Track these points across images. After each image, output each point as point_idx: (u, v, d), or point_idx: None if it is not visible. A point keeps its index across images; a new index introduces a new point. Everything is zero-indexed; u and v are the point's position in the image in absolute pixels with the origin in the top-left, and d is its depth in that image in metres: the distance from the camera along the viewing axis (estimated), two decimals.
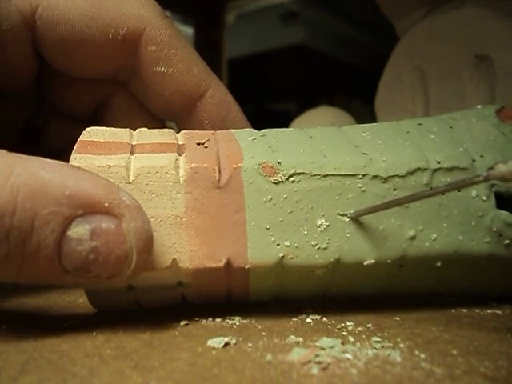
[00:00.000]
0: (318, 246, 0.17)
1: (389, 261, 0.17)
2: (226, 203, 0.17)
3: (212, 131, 0.20)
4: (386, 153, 0.18)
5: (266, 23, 1.01)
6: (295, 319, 0.18)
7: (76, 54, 0.21)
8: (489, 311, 0.18)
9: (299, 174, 0.17)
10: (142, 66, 0.22)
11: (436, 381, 0.12)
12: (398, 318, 0.18)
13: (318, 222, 0.17)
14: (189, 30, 0.91)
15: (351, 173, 0.17)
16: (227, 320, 0.17)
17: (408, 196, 0.16)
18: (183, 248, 0.17)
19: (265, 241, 0.17)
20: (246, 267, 0.17)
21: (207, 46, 0.79)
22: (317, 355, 0.14)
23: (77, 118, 0.24)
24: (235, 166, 0.17)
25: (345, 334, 0.16)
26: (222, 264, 0.17)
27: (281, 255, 0.17)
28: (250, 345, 0.15)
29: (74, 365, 0.14)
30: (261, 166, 0.17)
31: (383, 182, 0.18)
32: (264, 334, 0.16)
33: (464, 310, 0.19)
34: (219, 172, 0.17)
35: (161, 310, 0.18)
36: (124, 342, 0.15)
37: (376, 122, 0.41)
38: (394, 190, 0.18)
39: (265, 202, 0.17)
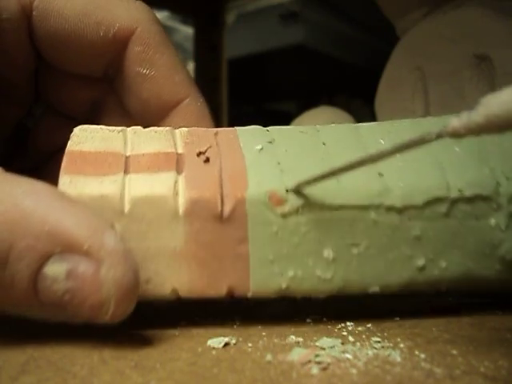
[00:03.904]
0: (323, 277, 0.17)
1: (395, 289, 0.17)
2: (228, 235, 0.16)
3: (215, 130, 0.19)
4: (404, 174, 0.17)
5: (266, 23, 1.01)
6: (295, 319, 0.18)
7: (67, 47, 0.21)
8: (489, 311, 0.18)
9: (309, 205, 0.16)
10: (126, 65, 0.22)
11: (436, 381, 0.12)
12: (397, 318, 0.18)
13: (325, 253, 0.16)
14: (189, 30, 0.91)
15: (365, 203, 0.16)
16: (227, 320, 0.17)
17: (370, 156, 0.14)
18: (183, 278, 0.16)
19: (268, 272, 0.16)
20: (248, 295, 0.16)
21: (207, 46, 0.79)
22: (317, 355, 0.14)
23: (70, 117, 0.24)
24: (239, 195, 0.16)
25: (345, 333, 0.16)
26: (222, 293, 0.16)
27: (284, 286, 0.16)
28: (249, 345, 0.15)
29: (73, 365, 0.14)
30: (267, 195, 0.16)
31: (398, 213, 0.17)
32: (264, 334, 0.16)
33: (464, 310, 0.19)
34: (221, 201, 0.16)
35: (161, 310, 0.18)
36: (124, 342, 0.15)
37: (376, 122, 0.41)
38: (409, 219, 0.17)
39: (270, 234, 0.16)
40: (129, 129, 0.18)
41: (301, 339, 0.16)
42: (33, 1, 0.20)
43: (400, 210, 0.17)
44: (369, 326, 0.17)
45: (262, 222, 0.16)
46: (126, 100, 0.23)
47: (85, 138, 0.17)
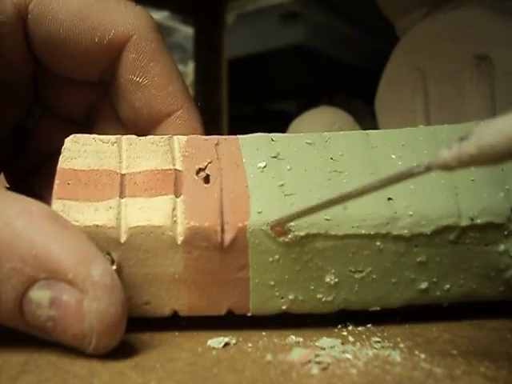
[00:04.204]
0: (323, 299, 0.16)
1: (395, 307, 0.17)
2: (228, 262, 0.16)
3: (215, 139, 0.18)
4: (415, 199, 0.16)
5: (266, 23, 1.01)
6: (295, 319, 0.18)
7: (62, 52, 0.21)
8: (489, 311, 0.18)
9: (313, 234, 0.16)
10: (120, 72, 0.22)
11: (436, 381, 0.12)
12: (397, 318, 0.18)
13: (327, 279, 0.16)
14: (189, 30, 0.91)
15: (371, 233, 0.16)
16: (227, 320, 0.17)
17: (352, 191, 0.13)
18: (183, 300, 0.16)
19: (268, 295, 0.16)
20: (247, 315, 0.17)
21: (207, 46, 0.79)
22: (317, 355, 0.14)
23: (69, 120, 0.24)
24: (240, 225, 0.16)
25: (345, 333, 0.16)
26: (222, 314, 0.16)
27: (284, 307, 0.16)
28: (249, 345, 0.15)
29: (73, 365, 0.14)
30: (269, 226, 0.16)
31: (405, 241, 0.16)
32: (264, 334, 0.16)
33: (464, 310, 0.19)
34: (222, 230, 0.16)
35: None
36: (124, 342, 0.15)
37: (376, 122, 0.41)
38: (415, 246, 0.16)
39: (271, 261, 0.16)
40: (124, 138, 0.18)
41: (301, 339, 0.16)
42: (28, 4, 0.20)
43: (407, 239, 0.16)
44: (369, 326, 0.17)
45: (264, 251, 0.16)
46: (118, 107, 0.23)
47: (77, 152, 0.17)
